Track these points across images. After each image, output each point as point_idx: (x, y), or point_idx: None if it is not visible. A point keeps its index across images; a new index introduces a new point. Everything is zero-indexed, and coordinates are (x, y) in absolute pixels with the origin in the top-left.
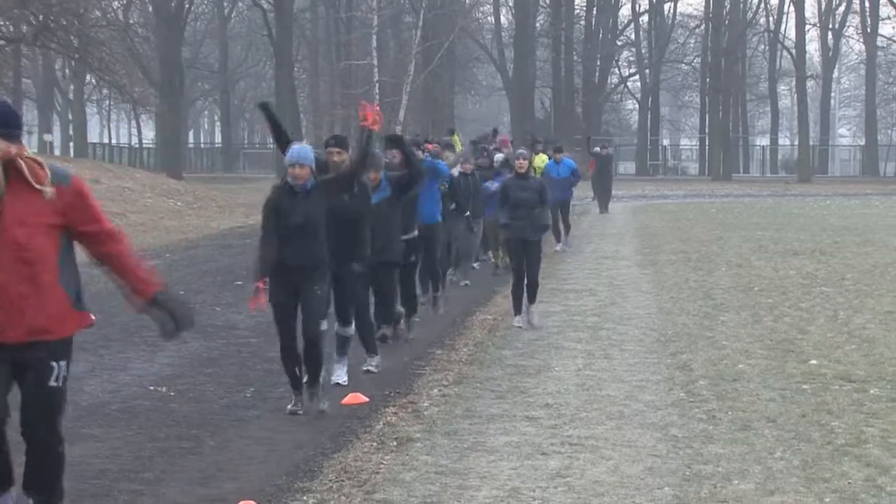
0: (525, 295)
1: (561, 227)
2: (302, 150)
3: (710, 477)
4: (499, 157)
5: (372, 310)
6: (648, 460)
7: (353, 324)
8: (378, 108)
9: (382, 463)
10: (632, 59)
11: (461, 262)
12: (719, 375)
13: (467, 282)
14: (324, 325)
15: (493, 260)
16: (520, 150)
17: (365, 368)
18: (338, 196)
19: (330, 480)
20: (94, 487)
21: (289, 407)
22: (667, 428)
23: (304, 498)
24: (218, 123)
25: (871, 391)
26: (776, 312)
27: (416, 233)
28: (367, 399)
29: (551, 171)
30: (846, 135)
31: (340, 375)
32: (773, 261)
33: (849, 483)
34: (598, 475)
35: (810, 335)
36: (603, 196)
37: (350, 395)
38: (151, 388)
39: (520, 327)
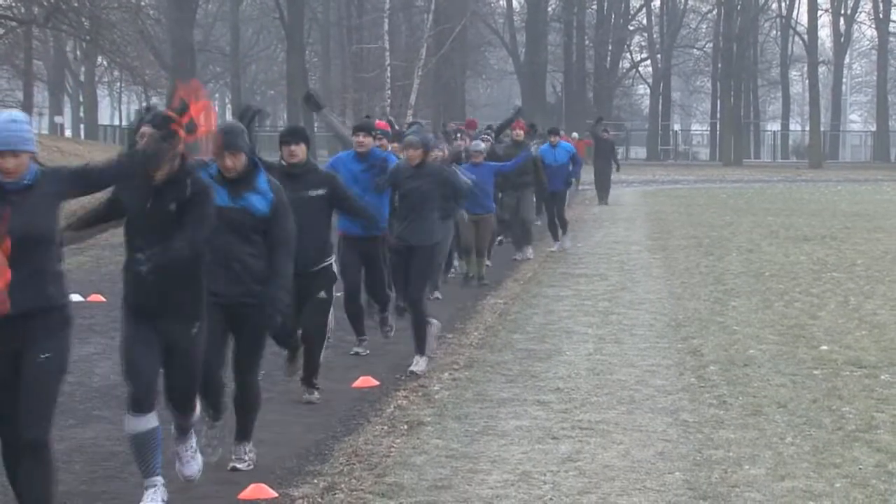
0: (413, 335)
1: (557, 223)
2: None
3: (720, 462)
4: (477, 144)
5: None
6: (659, 445)
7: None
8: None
9: (393, 446)
10: (643, 43)
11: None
12: (730, 360)
13: (438, 295)
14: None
15: (465, 268)
16: (408, 137)
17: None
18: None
19: (341, 464)
20: (106, 469)
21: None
22: (677, 413)
23: (315, 481)
24: (229, 106)
25: (882, 377)
26: (787, 298)
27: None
28: (378, 382)
29: (546, 157)
30: (857, 120)
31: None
32: (784, 246)
33: (859, 468)
34: (609, 459)
35: (821, 321)
36: (602, 185)
37: (361, 378)
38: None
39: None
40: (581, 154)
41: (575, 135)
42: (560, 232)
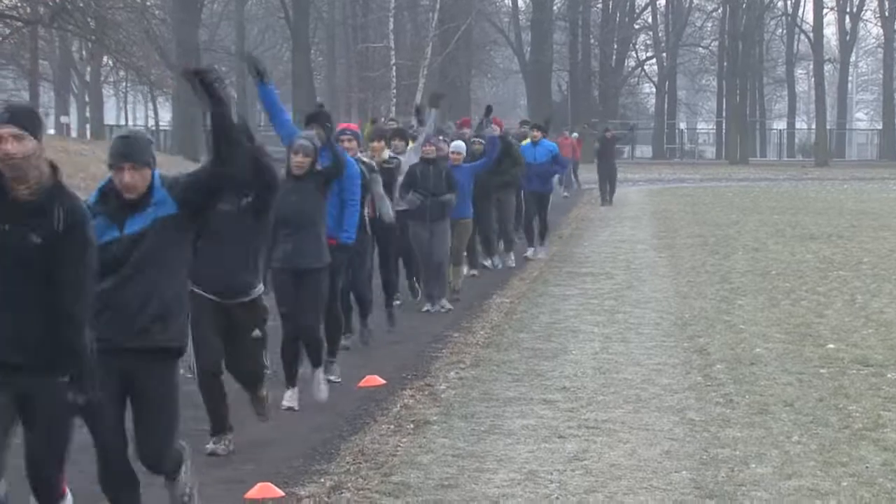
0: (306, 358)
1: (536, 227)
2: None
3: (727, 460)
4: (457, 144)
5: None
6: (665, 444)
7: None
8: None
9: (399, 445)
10: (649, 42)
11: (430, 282)
12: (736, 359)
13: (449, 305)
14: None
15: (449, 280)
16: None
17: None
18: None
19: (347, 463)
20: None
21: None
22: (684, 411)
23: (322, 480)
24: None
25: (889, 375)
26: (793, 296)
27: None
28: (384, 382)
29: (526, 155)
30: (863, 119)
31: None
32: (791, 245)
33: (866, 467)
34: (616, 458)
35: (827, 319)
36: (606, 185)
37: (367, 377)
38: None
39: (290, 407)
40: (577, 154)
41: (575, 134)
42: (537, 238)
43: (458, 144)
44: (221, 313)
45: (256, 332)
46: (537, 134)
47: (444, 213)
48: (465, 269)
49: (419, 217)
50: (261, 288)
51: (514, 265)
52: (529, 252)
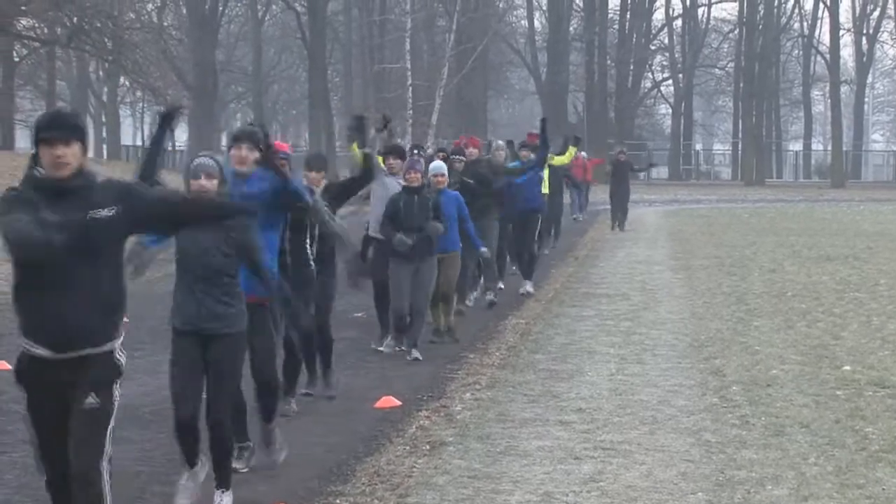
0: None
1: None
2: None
3: (743, 482)
4: (439, 166)
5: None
6: (681, 465)
7: None
8: None
9: (415, 467)
10: (665, 63)
11: (413, 324)
12: (752, 381)
13: (418, 355)
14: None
15: (436, 320)
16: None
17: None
18: None
19: (363, 484)
20: (128, 489)
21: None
22: (700, 433)
23: (337, 501)
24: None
25: None
26: (809, 318)
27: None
28: (400, 403)
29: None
30: (880, 140)
31: None
32: (807, 266)
33: (883, 489)
34: (632, 480)
35: (844, 341)
36: (618, 210)
37: (383, 398)
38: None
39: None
40: (588, 175)
41: (583, 154)
42: (525, 267)
43: (439, 166)
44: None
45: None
46: (525, 152)
47: (432, 249)
48: (466, 302)
49: (403, 254)
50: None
51: (496, 300)
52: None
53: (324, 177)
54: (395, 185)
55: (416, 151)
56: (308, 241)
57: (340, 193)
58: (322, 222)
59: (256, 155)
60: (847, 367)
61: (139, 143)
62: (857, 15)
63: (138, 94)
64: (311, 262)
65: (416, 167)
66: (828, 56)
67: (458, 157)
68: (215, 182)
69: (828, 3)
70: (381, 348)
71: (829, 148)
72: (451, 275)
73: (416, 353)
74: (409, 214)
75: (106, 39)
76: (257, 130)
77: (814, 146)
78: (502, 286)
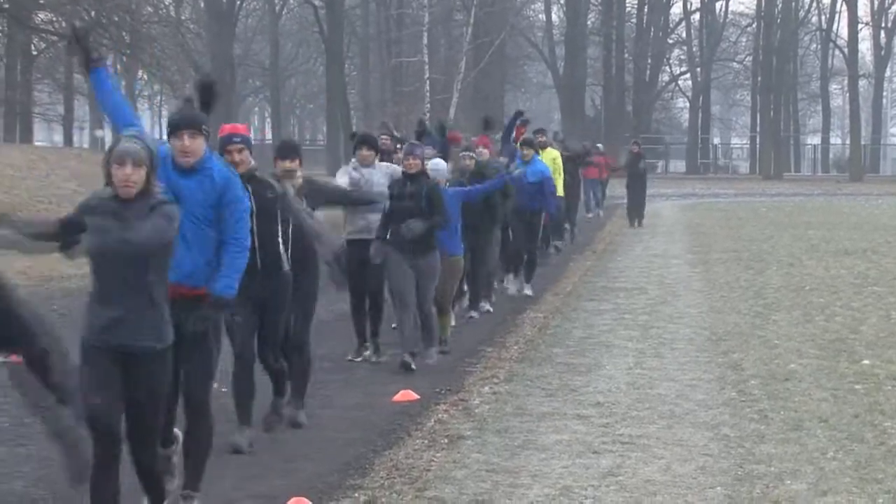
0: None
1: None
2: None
3: (762, 477)
4: (436, 164)
5: None
6: (700, 459)
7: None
8: None
9: (433, 460)
10: (683, 57)
11: (424, 328)
12: (771, 375)
13: (489, 307)
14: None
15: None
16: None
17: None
18: None
19: (381, 478)
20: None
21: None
22: (718, 427)
23: (356, 495)
24: (269, 120)
25: None
26: (828, 312)
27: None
28: (418, 396)
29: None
30: None
31: None
32: (825, 260)
33: None
34: (650, 474)
35: (862, 335)
36: (634, 206)
37: (401, 392)
38: None
39: None
40: (605, 173)
41: (599, 145)
42: (521, 268)
43: (437, 163)
44: None
45: None
46: (528, 151)
47: (432, 244)
48: (453, 319)
49: (400, 250)
50: None
51: (490, 310)
52: (506, 282)
53: (298, 166)
54: (377, 174)
55: (384, 136)
56: (281, 239)
57: (319, 194)
58: (296, 217)
59: (202, 142)
60: (866, 362)
61: (157, 136)
62: (875, 8)
63: (156, 87)
64: (286, 265)
65: (416, 152)
66: (846, 50)
67: (467, 153)
68: (143, 172)
69: None
70: (357, 359)
71: (847, 142)
72: (450, 284)
73: (433, 355)
74: (399, 203)
75: (124, 33)
76: (199, 114)
77: (832, 140)
78: (490, 309)
